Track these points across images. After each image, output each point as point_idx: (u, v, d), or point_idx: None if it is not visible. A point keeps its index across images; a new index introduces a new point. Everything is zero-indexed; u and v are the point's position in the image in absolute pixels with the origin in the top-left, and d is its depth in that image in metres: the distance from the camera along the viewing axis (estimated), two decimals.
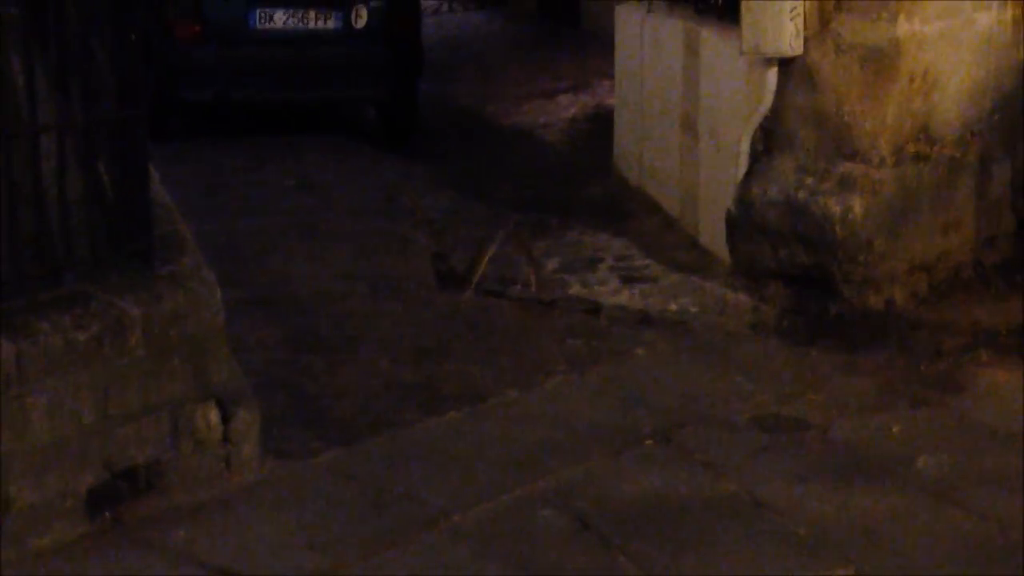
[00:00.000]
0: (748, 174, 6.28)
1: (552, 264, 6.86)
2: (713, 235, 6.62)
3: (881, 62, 5.95)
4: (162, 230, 4.65)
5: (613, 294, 6.44)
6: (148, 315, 4.22)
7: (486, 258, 6.75)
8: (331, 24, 9.82)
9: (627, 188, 8.07)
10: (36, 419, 3.95)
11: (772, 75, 6.14)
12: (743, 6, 6.07)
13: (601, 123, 9.39)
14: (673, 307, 6.22)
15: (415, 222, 7.75)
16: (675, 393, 5.23)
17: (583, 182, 8.51)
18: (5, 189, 4.14)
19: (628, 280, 6.61)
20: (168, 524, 4.14)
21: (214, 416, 4.32)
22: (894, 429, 4.89)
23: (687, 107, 7.06)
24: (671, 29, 7.33)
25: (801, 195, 6.07)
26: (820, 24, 6.02)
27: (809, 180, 6.09)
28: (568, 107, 10.78)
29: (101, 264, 4.35)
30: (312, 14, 9.77)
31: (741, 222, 6.28)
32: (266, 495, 4.36)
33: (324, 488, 4.44)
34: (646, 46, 7.79)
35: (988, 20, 6.28)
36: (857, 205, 5.95)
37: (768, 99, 6.20)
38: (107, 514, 4.11)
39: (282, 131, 10.27)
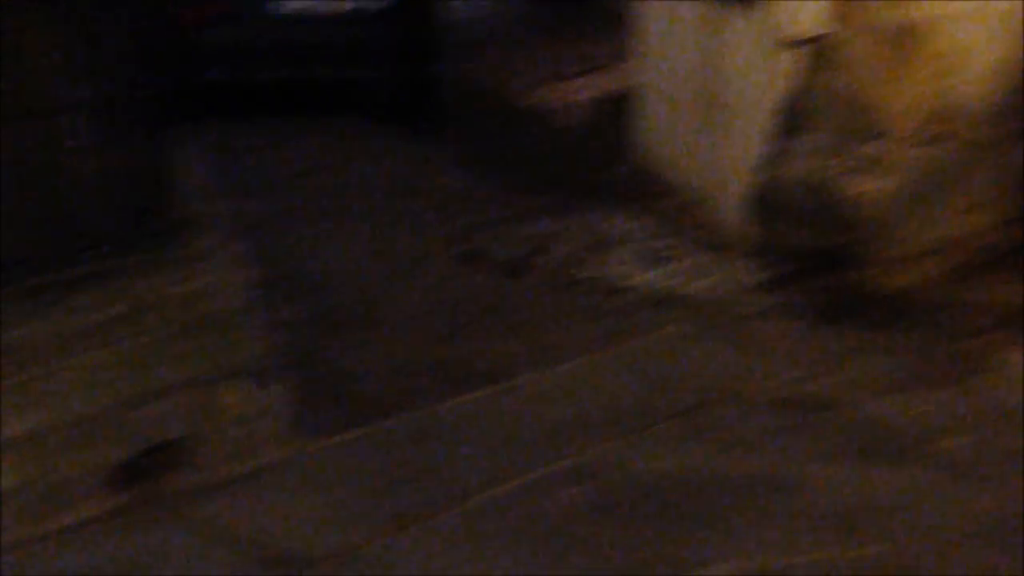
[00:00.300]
0: (771, 154, 6.27)
1: (574, 244, 6.86)
2: (736, 215, 6.62)
3: (905, 42, 5.94)
4: (186, 209, 4.68)
5: (635, 274, 6.44)
6: (174, 292, 4.26)
7: (507, 238, 6.75)
8: (350, 4, 9.82)
9: (648, 168, 8.06)
10: (65, 395, 3.98)
11: (796, 54, 6.13)
12: None
13: (621, 104, 9.36)
14: (696, 287, 6.22)
15: (434, 203, 7.75)
16: (698, 372, 5.24)
17: (604, 162, 8.49)
18: (27, 168, 4.18)
19: (650, 260, 6.61)
20: (199, 499, 4.17)
21: (242, 392, 4.36)
22: (917, 408, 4.89)
23: (710, 87, 7.05)
24: (694, 8, 7.32)
25: (824, 175, 6.07)
26: (845, 3, 6.01)
27: (833, 160, 6.09)
28: (588, 88, 10.74)
29: (125, 242, 4.39)
30: None
31: (764, 202, 6.28)
32: (294, 471, 4.39)
33: (351, 464, 4.47)
34: (668, 26, 7.78)
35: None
36: (880, 185, 5.95)
37: (792, 79, 6.19)
38: (139, 488, 4.15)
39: (302, 111, 10.28)
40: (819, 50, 6.10)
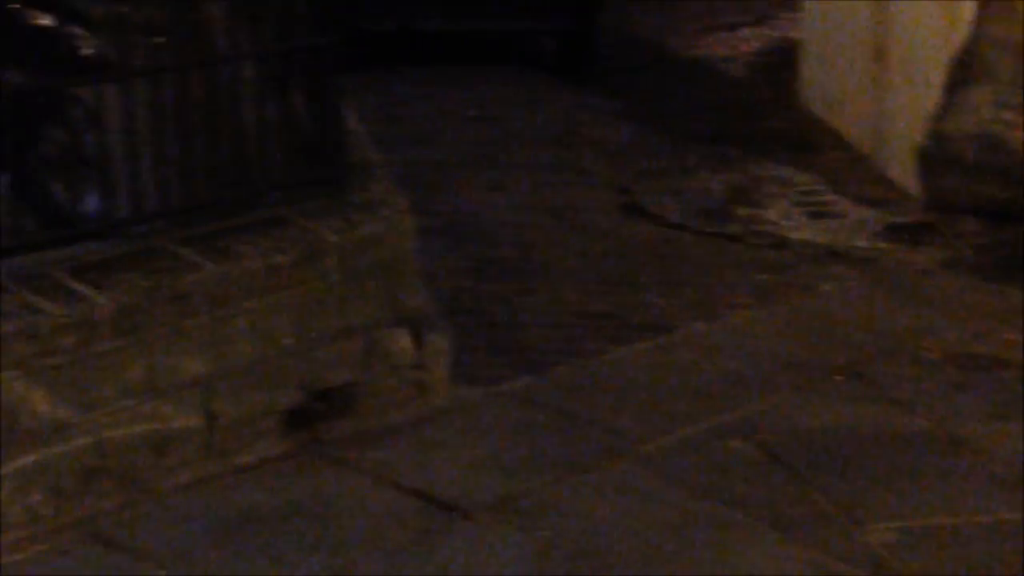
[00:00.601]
0: (942, 107, 6.13)
1: (736, 197, 6.80)
2: (903, 169, 6.50)
3: None
4: (354, 157, 4.71)
5: (799, 228, 6.36)
6: (343, 240, 4.29)
7: (670, 190, 6.72)
8: None
9: (812, 121, 7.95)
10: (238, 340, 4.05)
11: (969, 5, 5.98)
12: None
13: (785, 56, 9.24)
14: (861, 242, 6.13)
15: (596, 153, 7.73)
16: (864, 328, 5.15)
17: (766, 115, 8.39)
18: (205, 115, 4.23)
19: (815, 215, 6.53)
20: (362, 445, 4.22)
21: (406, 340, 4.38)
22: None
23: (878, 38, 6.91)
24: None
25: (997, 128, 5.92)
26: None
27: (1006, 113, 5.94)
28: (751, 40, 10.62)
29: (297, 190, 4.42)
30: None
31: (934, 156, 6.15)
32: (456, 420, 4.42)
33: (512, 414, 4.48)
34: None
35: None
36: None
37: (964, 29, 6.04)
38: (304, 434, 4.21)
39: (462, 61, 10.30)
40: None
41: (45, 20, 4.10)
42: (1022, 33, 5.90)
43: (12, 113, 4.00)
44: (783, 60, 9.31)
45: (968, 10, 5.98)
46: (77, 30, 4.09)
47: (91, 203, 4.16)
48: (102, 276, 3.89)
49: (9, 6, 4.04)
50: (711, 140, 7.82)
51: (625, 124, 8.45)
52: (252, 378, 4.08)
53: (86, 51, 4.10)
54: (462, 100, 9.14)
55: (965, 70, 6.10)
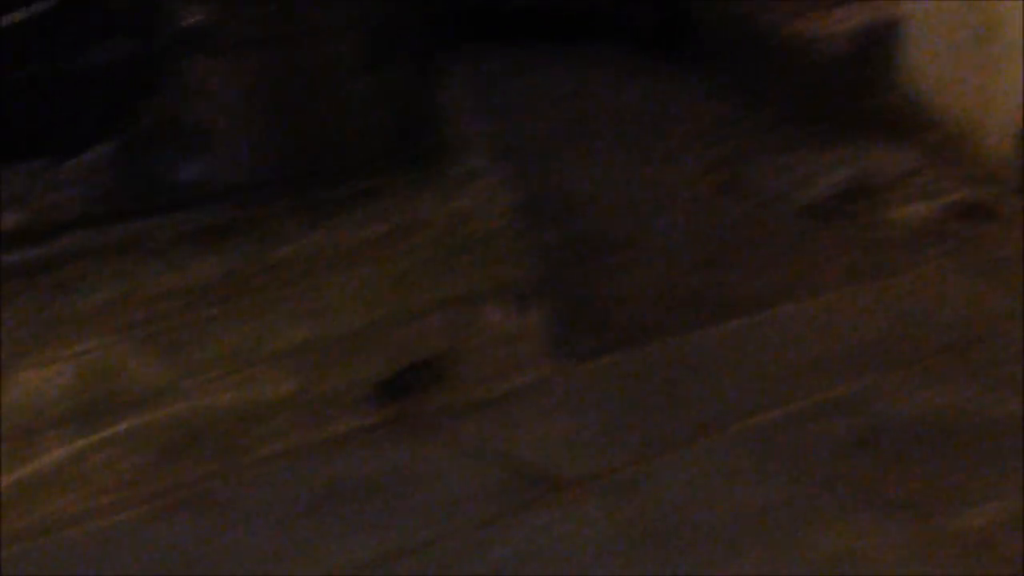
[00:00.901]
0: None
1: (834, 176, 6.72)
2: (1006, 149, 6.39)
3: None
4: (449, 132, 4.73)
5: (898, 207, 6.28)
6: (439, 213, 4.31)
7: (766, 169, 6.67)
8: None
9: (913, 100, 7.83)
10: (334, 310, 4.09)
11: None
12: None
13: (886, 35, 9.10)
14: (961, 223, 6.04)
15: (691, 130, 7.68)
16: (963, 310, 5.08)
17: (866, 94, 8.26)
18: (303, 87, 4.27)
19: (914, 195, 6.44)
20: (457, 418, 4.24)
21: (500, 313, 4.40)
22: None
23: (983, 15, 6.80)
24: None
25: None
26: None
27: None
28: (848, 18, 10.46)
29: (393, 163, 4.45)
30: None
31: None
32: (551, 393, 4.42)
33: (605, 389, 4.48)
34: None
35: None
36: None
37: None
38: (397, 405, 4.25)
39: (553, 36, 10.26)
40: None
41: None
42: None
43: (117, 83, 4.07)
44: (884, 38, 9.18)
45: None
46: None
47: (192, 172, 4.23)
48: (204, 243, 3.95)
49: None
50: (809, 119, 7.73)
51: (720, 101, 8.37)
52: (347, 348, 4.12)
53: (190, 21, 4.15)
54: (557, 75, 9.11)
55: None
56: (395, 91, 4.53)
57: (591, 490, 3.89)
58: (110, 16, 4.01)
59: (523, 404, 4.35)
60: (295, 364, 4.02)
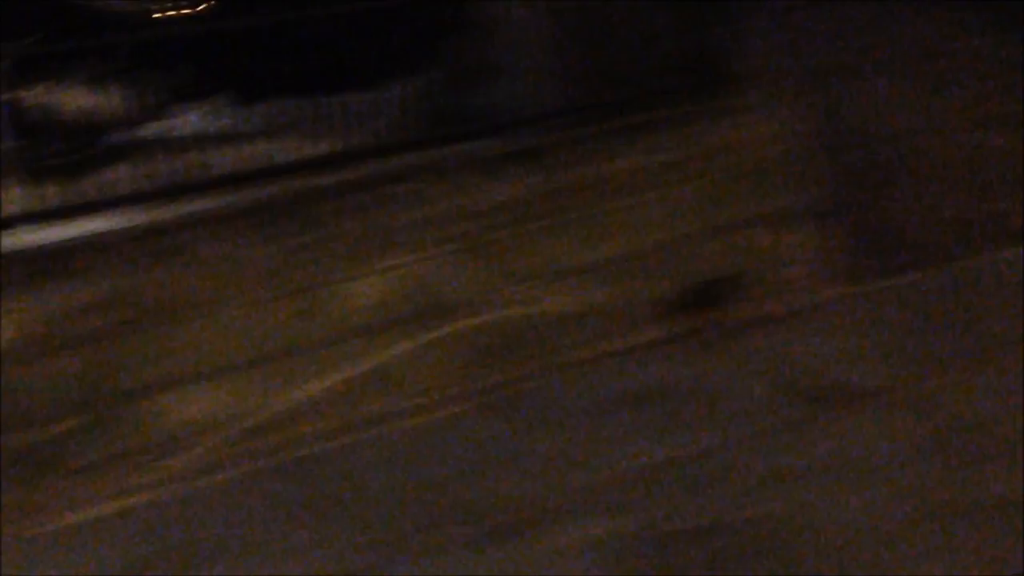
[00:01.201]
0: None
1: None
2: None
3: None
4: (737, 63, 4.84)
5: None
6: (734, 139, 4.45)
7: None
8: None
9: None
10: (637, 227, 4.27)
11: None
12: None
13: None
14: None
15: (980, 67, 7.51)
16: None
17: None
18: (590, 27, 4.44)
19: None
20: (738, 335, 4.36)
21: (793, 235, 4.51)
22: None
23: None
24: None
25: None
26: None
27: None
28: None
29: (688, 92, 4.60)
30: None
31: None
32: (832, 313, 4.52)
33: (887, 311, 4.55)
34: None
35: None
36: None
37: None
38: (691, 318, 4.42)
39: None
40: None
41: None
42: None
43: (420, 24, 4.30)
44: None
45: None
46: None
47: (496, 102, 4.46)
48: (518, 164, 4.16)
49: None
50: None
51: (996, 36, 8.16)
52: (650, 264, 4.30)
53: None
54: (838, 8, 8.94)
55: None
56: (686, 25, 4.66)
57: (885, 402, 3.93)
58: None
59: (807, 322, 4.45)
60: (601, 278, 4.19)
